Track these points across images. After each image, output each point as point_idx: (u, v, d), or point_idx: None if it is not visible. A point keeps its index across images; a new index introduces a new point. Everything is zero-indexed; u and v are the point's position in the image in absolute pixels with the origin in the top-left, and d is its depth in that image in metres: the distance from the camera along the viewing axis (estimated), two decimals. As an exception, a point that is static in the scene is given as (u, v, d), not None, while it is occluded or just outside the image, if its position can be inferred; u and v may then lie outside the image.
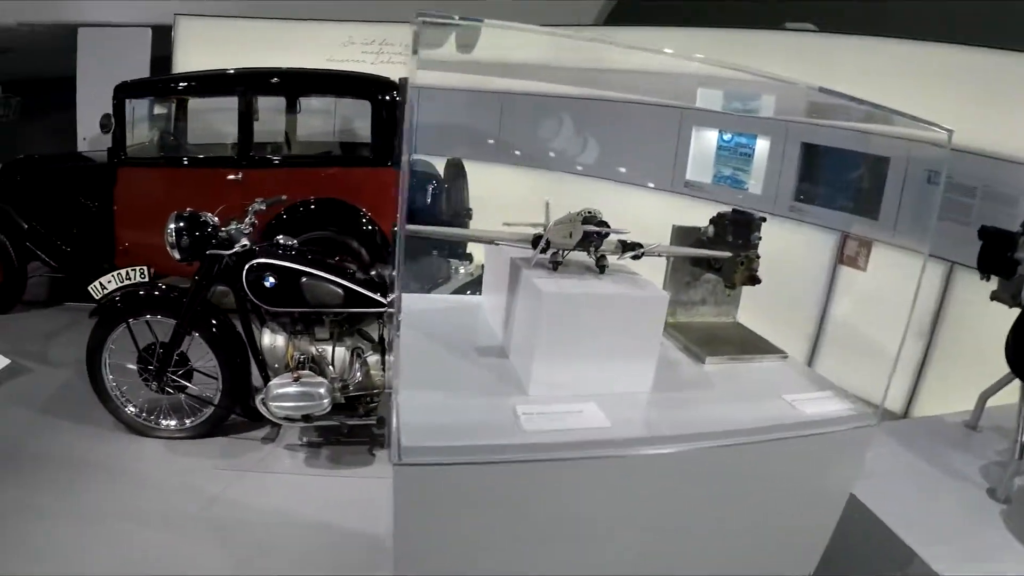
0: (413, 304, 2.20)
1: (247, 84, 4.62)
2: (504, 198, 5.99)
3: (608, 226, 1.68)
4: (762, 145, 4.89)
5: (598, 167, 5.75)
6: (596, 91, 5.58)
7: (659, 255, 1.90)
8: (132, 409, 3.25)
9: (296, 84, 5.09)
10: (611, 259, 1.78)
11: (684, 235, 2.07)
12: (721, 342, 2.03)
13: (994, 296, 2.52)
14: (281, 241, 3.14)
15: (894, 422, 2.99)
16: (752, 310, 5.19)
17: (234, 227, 3.00)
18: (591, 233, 1.65)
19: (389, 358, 3.06)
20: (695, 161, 5.26)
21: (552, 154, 5.88)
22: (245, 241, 2.98)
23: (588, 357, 1.62)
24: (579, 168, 5.78)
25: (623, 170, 5.59)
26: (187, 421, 3.25)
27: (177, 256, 2.93)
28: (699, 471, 1.52)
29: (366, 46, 6.46)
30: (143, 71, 6.30)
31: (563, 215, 1.74)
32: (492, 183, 6.00)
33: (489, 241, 1.86)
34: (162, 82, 5.21)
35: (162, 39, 6.55)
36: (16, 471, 2.98)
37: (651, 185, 5.46)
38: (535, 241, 1.71)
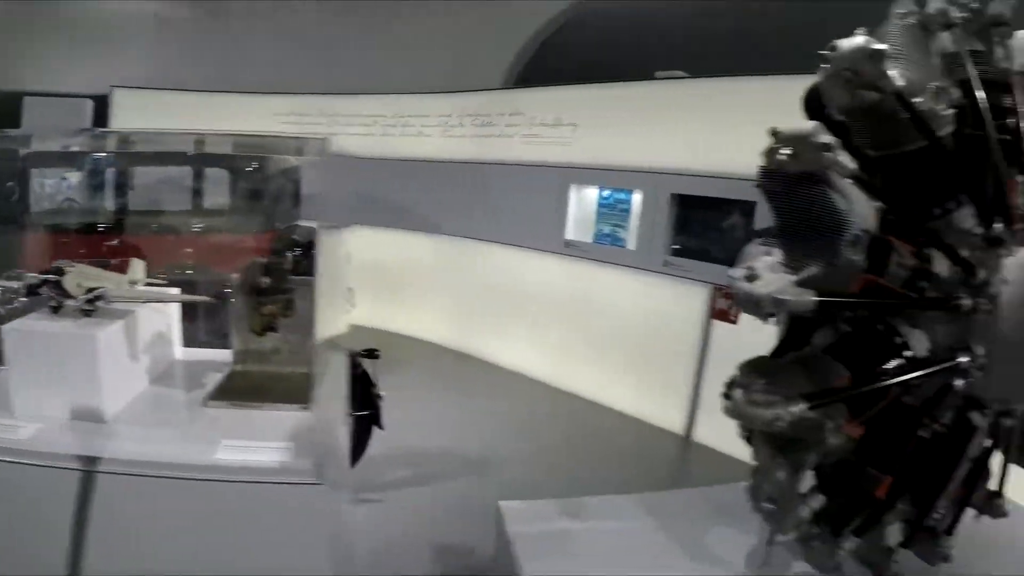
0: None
1: (127, 159, 4.83)
2: (386, 262, 6.03)
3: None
4: (637, 200, 4.66)
5: (485, 230, 5.57)
6: (487, 154, 5.56)
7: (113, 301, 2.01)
8: None
9: (163, 158, 5.26)
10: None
11: (255, 268, 1.92)
12: (246, 390, 2.07)
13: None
14: None
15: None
16: (625, 375, 4.78)
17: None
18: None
19: None
20: (576, 220, 5.00)
21: (441, 219, 5.79)
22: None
23: (50, 386, 1.86)
24: (471, 232, 5.64)
25: (507, 232, 5.40)
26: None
27: None
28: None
29: (286, 117, 6.60)
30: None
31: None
32: (379, 248, 6.10)
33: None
34: (63, 154, 5.42)
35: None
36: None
37: (533, 247, 5.23)
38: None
